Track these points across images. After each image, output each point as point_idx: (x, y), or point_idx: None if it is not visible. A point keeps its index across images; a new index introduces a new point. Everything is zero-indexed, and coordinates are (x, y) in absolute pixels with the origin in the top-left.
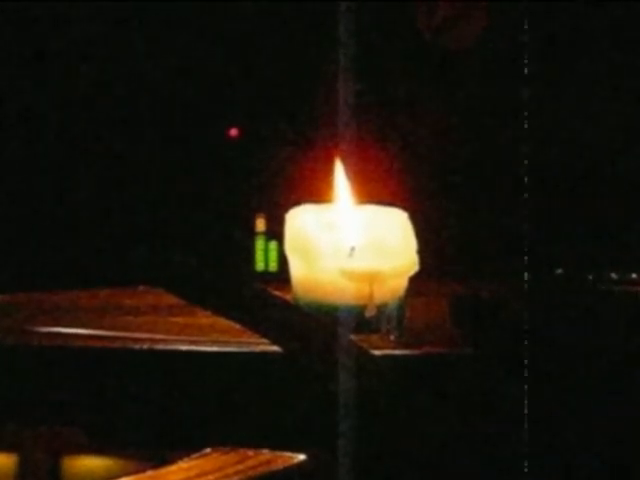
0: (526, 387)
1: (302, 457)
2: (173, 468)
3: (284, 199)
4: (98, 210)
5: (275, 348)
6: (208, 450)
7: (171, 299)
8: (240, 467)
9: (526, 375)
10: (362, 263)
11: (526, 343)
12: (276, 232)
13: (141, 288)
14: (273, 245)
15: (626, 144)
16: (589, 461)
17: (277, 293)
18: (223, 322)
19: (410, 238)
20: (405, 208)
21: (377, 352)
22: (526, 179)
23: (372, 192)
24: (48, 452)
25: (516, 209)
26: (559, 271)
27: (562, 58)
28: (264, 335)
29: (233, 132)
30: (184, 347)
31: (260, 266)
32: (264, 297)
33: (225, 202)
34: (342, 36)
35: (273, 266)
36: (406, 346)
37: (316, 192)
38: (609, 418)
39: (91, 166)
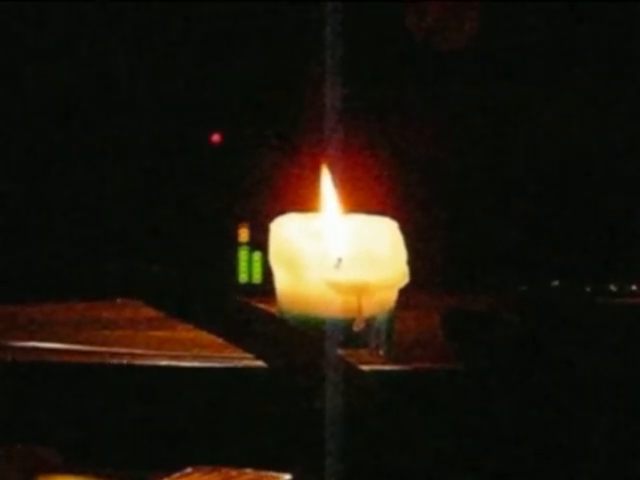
0: (520, 403)
1: (287, 477)
2: None
3: (268, 208)
4: (74, 219)
5: (259, 363)
6: (189, 470)
7: (150, 312)
8: None
9: (520, 391)
10: (350, 274)
11: (521, 358)
12: (260, 242)
13: (119, 301)
14: (257, 256)
15: (626, 151)
16: (585, 478)
17: (261, 306)
18: (205, 336)
19: (400, 248)
20: (395, 217)
21: (365, 367)
22: (521, 188)
23: (360, 201)
24: (22, 472)
25: (511, 219)
26: (555, 283)
27: (557, 61)
28: (247, 350)
29: (215, 138)
30: (164, 362)
31: (243, 278)
32: (247, 310)
33: (207, 211)
34: (329, 38)
35: (257, 278)
36: (396, 361)
37: (302, 200)
38: (607, 434)
39: (67, 173)
